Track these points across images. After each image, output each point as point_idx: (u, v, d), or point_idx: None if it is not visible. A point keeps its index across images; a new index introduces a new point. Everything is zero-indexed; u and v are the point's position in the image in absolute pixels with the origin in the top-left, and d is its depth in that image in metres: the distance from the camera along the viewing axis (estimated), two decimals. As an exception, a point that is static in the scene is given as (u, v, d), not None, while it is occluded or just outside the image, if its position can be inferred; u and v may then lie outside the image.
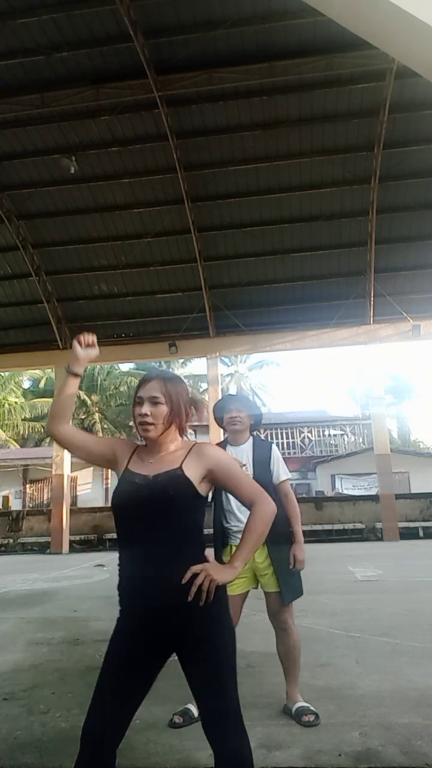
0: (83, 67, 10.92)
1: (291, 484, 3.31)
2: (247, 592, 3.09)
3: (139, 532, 1.72)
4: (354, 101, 11.88)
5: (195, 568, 1.64)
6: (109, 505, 1.83)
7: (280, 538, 3.04)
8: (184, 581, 1.62)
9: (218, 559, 3.06)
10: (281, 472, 3.19)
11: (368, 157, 12.67)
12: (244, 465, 3.12)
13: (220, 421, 3.34)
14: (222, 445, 3.26)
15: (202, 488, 1.76)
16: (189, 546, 1.72)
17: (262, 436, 3.43)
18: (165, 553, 1.67)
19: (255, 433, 3.35)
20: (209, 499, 3.01)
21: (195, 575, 1.63)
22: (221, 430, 3.40)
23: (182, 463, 1.76)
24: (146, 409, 1.78)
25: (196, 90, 11.35)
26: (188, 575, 1.63)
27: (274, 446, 3.29)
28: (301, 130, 12.43)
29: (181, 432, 1.86)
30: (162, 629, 1.68)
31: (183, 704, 3.00)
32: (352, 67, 10.79)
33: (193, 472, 1.74)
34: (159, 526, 1.69)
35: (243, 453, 3.18)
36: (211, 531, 3.19)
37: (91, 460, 1.95)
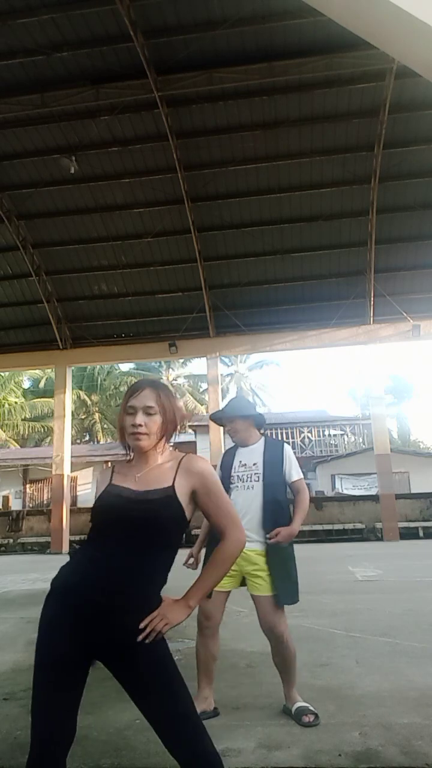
0: (83, 67, 10.93)
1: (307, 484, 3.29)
2: (229, 591, 3.04)
3: (113, 540, 1.65)
4: (354, 101, 11.88)
5: (152, 615, 1.58)
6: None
7: (289, 554, 3.03)
8: (142, 626, 1.57)
9: (209, 553, 3.05)
10: (293, 472, 3.16)
11: (368, 157, 12.68)
12: (254, 464, 3.12)
13: (223, 429, 3.37)
14: (232, 451, 3.27)
15: (188, 511, 1.71)
16: (157, 572, 1.66)
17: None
18: (130, 573, 1.60)
19: (266, 432, 3.33)
20: None
21: (149, 609, 1.59)
22: (221, 432, 3.42)
23: (174, 481, 1.70)
24: (141, 419, 1.73)
25: (196, 90, 11.36)
26: (146, 622, 1.57)
27: (286, 446, 3.25)
28: (301, 130, 12.43)
29: (167, 441, 1.81)
30: (97, 639, 1.60)
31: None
32: (352, 67, 10.80)
33: (182, 492, 1.69)
34: (135, 544, 1.63)
35: (254, 453, 3.16)
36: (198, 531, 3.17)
37: None
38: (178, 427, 1.83)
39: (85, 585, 1.61)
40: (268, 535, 2.98)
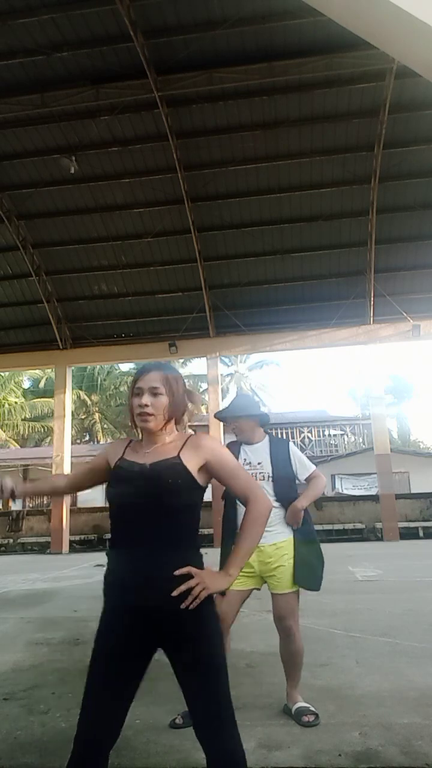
0: (83, 67, 10.93)
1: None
2: (249, 591, 3.02)
3: (134, 525, 1.68)
4: (354, 101, 11.88)
5: (192, 571, 1.61)
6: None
7: (308, 533, 3.04)
8: (179, 574, 1.60)
9: (225, 555, 3.04)
10: (305, 468, 3.17)
11: (368, 157, 12.68)
12: (259, 463, 3.12)
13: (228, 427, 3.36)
14: (237, 444, 3.25)
15: (200, 478, 1.73)
16: (184, 544, 1.69)
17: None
18: (161, 551, 1.64)
19: (270, 430, 3.32)
20: (222, 498, 3.00)
21: (189, 577, 1.61)
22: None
23: (180, 452, 1.73)
24: (147, 399, 1.75)
25: (196, 90, 11.36)
26: (183, 571, 1.60)
27: (291, 444, 3.27)
28: (301, 130, 12.43)
29: (177, 423, 1.84)
30: (150, 628, 1.65)
31: (183, 704, 2.98)
32: (352, 67, 10.80)
33: (190, 462, 1.72)
34: (156, 518, 1.65)
35: (259, 451, 3.16)
36: (210, 531, 3.19)
37: (98, 481, 1.96)
38: (189, 408, 1.85)
39: (127, 580, 1.67)
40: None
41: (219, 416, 3.44)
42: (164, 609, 1.61)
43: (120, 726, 1.66)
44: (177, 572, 1.60)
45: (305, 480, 3.18)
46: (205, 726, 1.64)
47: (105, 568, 1.76)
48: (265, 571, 2.98)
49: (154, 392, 1.77)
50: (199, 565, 1.68)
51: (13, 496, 1.92)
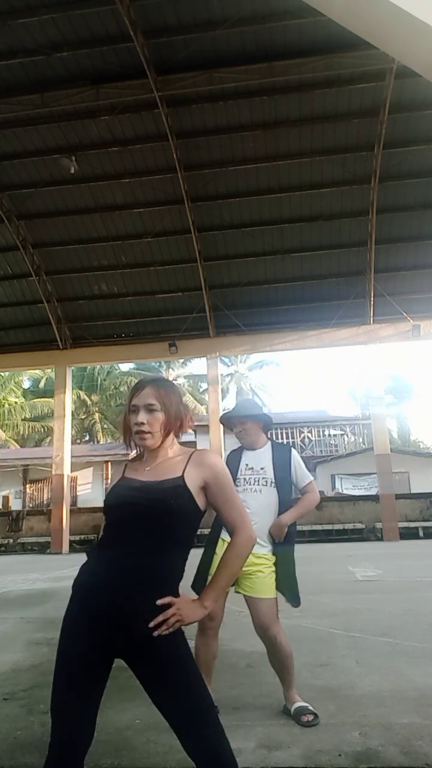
0: (83, 67, 10.93)
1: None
2: (227, 593, 3.04)
3: (126, 538, 1.65)
4: (354, 101, 11.88)
5: (172, 601, 1.59)
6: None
7: (288, 538, 3.03)
8: (160, 603, 1.57)
9: (206, 552, 3.04)
10: (304, 476, 3.16)
11: (368, 157, 12.68)
12: (262, 468, 3.11)
13: (230, 431, 3.33)
14: (238, 452, 3.24)
15: (200, 501, 1.70)
16: (169, 568, 1.66)
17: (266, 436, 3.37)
18: (144, 567, 1.60)
19: (271, 435, 3.32)
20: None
21: (165, 606, 1.58)
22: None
23: (184, 471, 1.70)
24: (143, 417, 1.73)
25: (196, 90, 11.36)
26: (165, 601, 1.58)
27: (294, 450, 3.24)
28: (301, 130, 12.43)
29: (177, 436, 1.82)
30: (114, 637, 1.61)
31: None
32: (352, 67, 10.80)
33: (193, 483, 1.69)
34: (148, 535, 1.63)
35: (261, 457, 3.14)
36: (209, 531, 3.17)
37: None
38: (184, 423, 1.82)
39: (101, 585, 1.62)
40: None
41: (224, 419, 3.41)
42: (136, 628, 1.58)
43: (92, 728, 1.63)
44: (159, 602, 1.58)
45: (300, 489, 3.17)
46: (186, 733, 1.60)
47: (82, 566, 1.72)
48: (242, 573, 2.90)
49: (149, 409, 1.74)
50: (176, 586, 1.66)
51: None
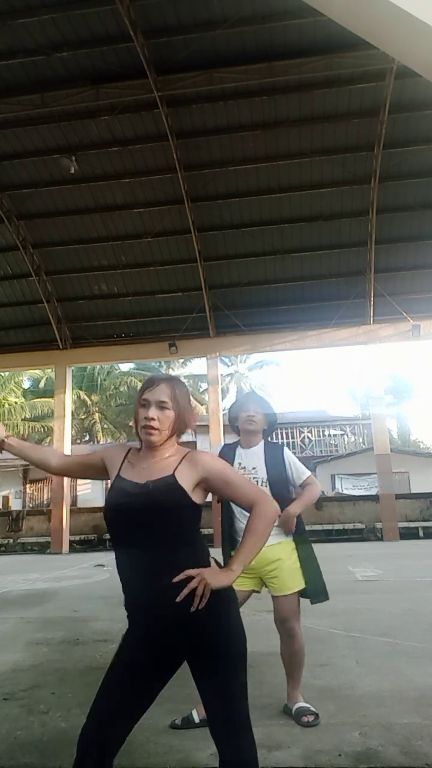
0: (83, 67, 10.93)
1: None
2: (249, 593, 3.01)
3: (131, 542, 1.68)
4: (354, 101, 11.88)
5: (190, 572, 1.61)
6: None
7: (297, 532, 3.04)
8: (176, 580, 1.59)
9: (227, 561, 3.04)
10: (300, 473, 3.16)
11: (368, 157, 12.68)
12: (254, 468, 3.10)
13: (234, 420, 3.29)
14: (232, 447, 3.24)
15: (196, 496, 1.71)
16: (185, 554, 1.67)
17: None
18: (159, 563, 1.63)
19: (267, 437, 3.30)
20: (217, 502, 3.00)
21: (190, 579, 1.60)
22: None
23: (175, 470, 1.71)
24: (154, 413, 1.74)
25: (196, 90, 11.36)
26: (181, 577, 1.59)
27: (285, 448, 3.25)
28: (301, 130, 12.43)
29: (179, 437, 1.83)
30: (167, 639, 1.64)
31: (183, 704, 2.99)
32: (352, 67, 10.80)
33: (186, 480, 1.70)
34: (152, 535, 1.65)
35: (254, 455, 3.14)
36: (210, 531, 3.18)
37: (85, 476, 2.00)
38: (189, 424, 1.83)
39: (133, 599, 1.69)
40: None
41: (243, 398, 3.39)
42: (178, 621, 1.61)
43: (126, 736, 1.66)
44: (175, 579, 1.59)
45: (300, 485, 3.17)
46: (220, 726, 1.64)
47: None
48: (264, 573, 2.96)
49: (161, 406, 1.75)
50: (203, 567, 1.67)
51: (1, 446, 1.89)
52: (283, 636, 3.03)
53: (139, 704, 1.68)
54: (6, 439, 1.89)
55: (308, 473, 3.20)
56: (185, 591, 1.58)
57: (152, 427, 1.73)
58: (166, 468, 1.73)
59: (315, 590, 3.01)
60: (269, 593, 3.03)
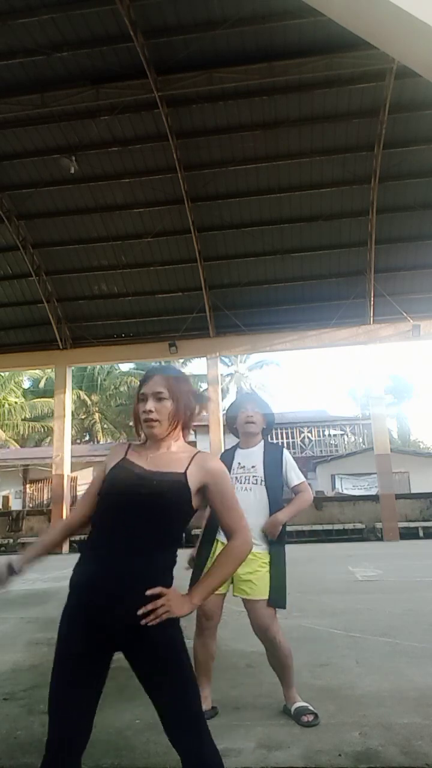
0: (83, 67, 10.93)
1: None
2: (223, 596, 3.01)
3: (121, 528, 1.64)
4: (354, 101, 11.88)
5: (162, 592, 1.59)
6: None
7: (278, 538, 3.03)
8: (150, 594, 1.57)
9: (201, 553, 3.03)
10: (294, 476, 3.15)
11: (368, 157, 12.67)
12: (253, 467, 3.11)
13: (232, 420, 3.29)
14: (231, 450, 3.25)
15: (195, 500, 1.70)
16: (164, 555, 1.66)
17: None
18: (140, 559, 1.61)
19: (266, 437, 3.31)
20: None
21: (155, 596, 1.58)
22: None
23: (187, 468, 1.70)
24: (151, 405, 1.73)
25: (196, 90, 11.36)
26: (155, 592, 1.58)
27: (285, 450, 3.24)
28: (301, 130, 12.43)
29: (186, 429, 1.81)
30: (111, 631, 1.61)
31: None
32: (352, 67, 10.79)
33: (193, 482, 1.69)
34: (144, 526, 1.63)
35: (253, 455, 3.15)
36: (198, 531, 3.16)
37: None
38: (196, 411, 1.82)
39: (97, 581, 1.63)
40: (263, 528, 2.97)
41: (244, 397, 3.42)
42: (127, 619, 1.58)
43: (89, 727, 1.64)
44: (149, 592, 1.58)
45: (292, 488, 3.16)
46: (174, 730, 1.62)
47: (77, 563, 1.72)
48: (237, 576, 2.90)
49: (158, 397, 1.74)
50: (169, 583, 1.66)
51: (12, 574, 1.80)
52: (267, 645, 3.00)
53: (92, 696, 1.65)
54: (14, 566, 1.80)
55: (303, 479, 3.19)
56: (149, 606, 1.56)
57: (152, 419, 1.72)
58: (177, 464, 1.71)
59: (276, 597, 2.96)
60: (243, 598, 2.98)
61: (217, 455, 3.45)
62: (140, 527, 1.63)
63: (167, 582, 1.66)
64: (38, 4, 9.91)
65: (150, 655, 1.63)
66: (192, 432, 1.90)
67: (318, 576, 7.72)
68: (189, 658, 1.69)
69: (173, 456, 1.74)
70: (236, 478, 3.10)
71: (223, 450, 3.32)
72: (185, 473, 1.69)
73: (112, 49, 10.70)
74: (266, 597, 2.93)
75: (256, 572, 2.94)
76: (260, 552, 2.97)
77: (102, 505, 1.73)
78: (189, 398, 1.80)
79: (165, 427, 1.74)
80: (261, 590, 2.94)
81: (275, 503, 3.04)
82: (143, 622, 1.56)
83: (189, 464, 1.71)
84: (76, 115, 12.18)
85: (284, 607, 3.00)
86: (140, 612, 1.56)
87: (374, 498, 15.67)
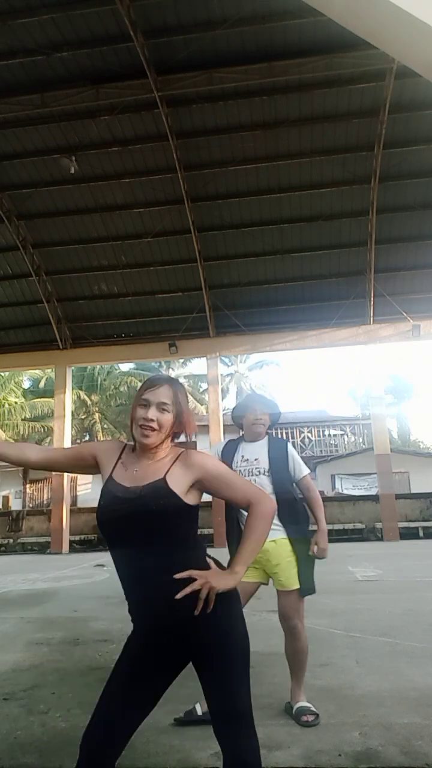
0: (83, 67, 10.92)
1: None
2: (257, 585, 3.05)
3: (125, 546, 1.66)
4: (354, 101, 11.88)
5: (193, 574, 1.59)
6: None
7: (297, 527, 3.05)
8: (178, 577, 1.58)
9: (229, 548, 3.03)
10: (301, 468, 3.20)
11: (368, 157, 12.68)
12: (256, 459, 3.14)
13: (239, 419, 3.32)
14: (236, 442, 3.28)
15: (190, 497, 1.69)
16: (180, 556, 1.65)
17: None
18: (157, 568, 1.61)
19: (270, 431, 3.35)
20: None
21: (191, 579, 1.59)
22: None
23: (167, 473, 1.68)
24: (153, 414, 1.71)
25: (196, 90, 11.36)
26: (183, 575, 1.58)
27: (289, 444, 3.29)
28: (301, 130, 12.43)
29: (174, 439, 1.81)
30: (170, 642, 1.63)
31: (183, 704, 2.99)
32: (352, 67, 10.80)
33: (178, 482, 1.67)
34: (144, 539, 1.63)
35: (257, 449, 3.18)
36: (210, 531, 3.18)
37: (73, 471, 1.95)
38: (187, 429, 1.81)
39: (136, 602, 1.68)
40: (311, 552, 3.06)
41: (253, 398, 3.43)
42: (178, 621, 1.60)
43: (128, 739, 1.66)
44: (177, 576, 1.58)
45: (299, 480, 3.19)
46: (224, 726, 1.64)
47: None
48: (268, 568, 3.00)
49: (162, 408, 1.72)
50: (203, 568, 1.66)
51: None
52: (287, 633, 3.06)
53: (142, 707, 1.67)
54: None
55: (308, 471, 3.24)
56: (187, 590, 1.56)
57: (151, 428, 1.71)
58: (158, 471, 1.70)
59: (306, 588, 3.03)
60: (274, 587, 3.05)
61: (214, 446, 3.48)
62: (143, 543, 1.63)
63: (198, 567, 1.66)
64: (38, 4, 9.91)
65: (210, 650, 1.63)
66: (181, 449, 1.89)
67: (318, 576, 7.69)
68: (247, 654, 1.69)
69: (156, 465, 1.73)
70: (239, 471, 3.13)
71: (229, 440, 3.33)
72: (164, 479, 1.67)
73: (112, 49, 10.70)
74: (297, 587, 2.98)
75: (281, 563, 2.98)
76: (281, 538, 2.99)
77: (103, 534, 1.75)
78: (187, 413, 1.80)
79: (160, 437, 1.73)
80: (289, 581, 2.99)
81: (281, 490, 3.06)
82: (196, 612, 1.57)
83: (170, 468, 1.70)
84: (76, 115, 12.18)
85: (314, 592, 3.06)
86: (178, 596, 1.56)
87: (374, 498, 15.68)
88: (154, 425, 1.71)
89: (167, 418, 1.73)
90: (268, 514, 1.72)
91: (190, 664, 1.70)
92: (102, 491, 1.75)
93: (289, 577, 2.99)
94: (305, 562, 3.03)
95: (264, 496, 1.75)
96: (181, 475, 1.69)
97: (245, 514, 1.75)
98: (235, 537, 3.01)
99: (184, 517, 1.69)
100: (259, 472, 3.11)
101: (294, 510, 3.07)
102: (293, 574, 2.99)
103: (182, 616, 1.59)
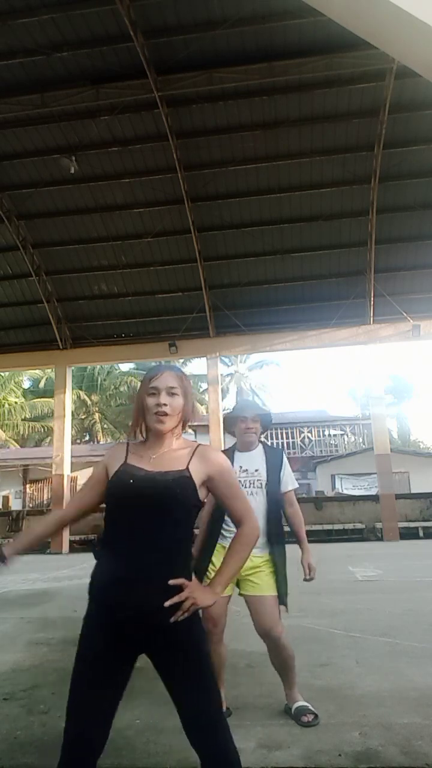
0: (83, 67, 10.92)
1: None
2: (228, 598, 3.00)
3: (132, 531, 1.65)
4: (354, 101, 11.88)
5: (184, 584, 1.60)
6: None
7: (278, 539, 3.05)
8: (173, 584, 1.59)
9: (199, 557, 3.00)
10: (289, 481, 3.17)
11: (368, 157, 12.67)
12: (256, 470, 3.11)
13: (231, 426, 3.29)
14: (230, 451, 3.23)
15: (201, 493, 1.72)
16: (178, 554, 1.67)
17: (263, 437, 3.38)
18: (155, 558, 1.62)
19: (263, 439, 3.33)
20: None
21: (181, 588, 1.60)
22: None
23: (189, 464, 1.71)
24: (165, 398, 1.74)
25: (196, 90, 11.36)
26: (177, 583, 1.59)
27: (284, 455, 3.27)
28: (301, 130, 12.43)
29: (184, 427, 1.83)
30: (136, 633, 1.63)
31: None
32: (352, 67, 10.79)
33: (197, 475, 1.70)
34: (155, 527, 1.63)
35: (253, 459, 3.15)
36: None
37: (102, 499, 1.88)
38: (195, 412, 1.85)
39: (118, 583, 1.64)
40: (306, 578, 3.08)
41: (245, 405, 3.38)
42: (153, 617, 1.59)
43: (107, 731, 1.64)
44: (171, 582, 1.59)
45: (284, 493, 3.16)
46: (198, 730, 1.63)
47: (95, 567, 1.74)
48: (243, 575, 2.92)
49: (171, 392, 1.75)
50: (188, 577, 1.67)
51: (3, 561, 1.80)
52: (271, 645, 2.99)
53: (111, 697, 1.65)
54: (7, 556, 1.84)
55: (295, 486, 3.22)
56: (175, 599, 1.58)
57: (165, 413, 1.73)
58: (179, 461, 1.72)
59: (283, 594, 3.01)
60: (246, 595, 2.98)
61: (218, 449, 3.46)
62: (153, 528, 1.64)
63: (187, 576, 1.67)
64: (38, 4, 9.91)
65: (176, 654, 1.63)
66: (192, 432, 1.90)
67: (318, 576, 7.70)
68: (210, 659, 1.72)
69: (174, 454, 1.75)
70: (240, 482, 3.08)
71: (223, 449, 3.30)
72: (188, 468, 1.70)
73: (112, 49, 10.70)
74: (274, 593, 2.95)
75: (260, 570, 2.96)
76: (261, 555, 2.97)
77: (112, 512, 1.73)
78: (192, 398, 1.84)
79: (174, 422, 1.76)
80: (265, 587, 2.95)
81: (274, 507, 3.07)
82: (173, 619, 1.58)
83: (190, 459, 1.73)
84: (76, 115, 12.18)
85: (286, 605, 3.01)
86: (167, 604, 1.57)
87: (374, 498, 15.67)
88: (168, 410, 1.73)
89: (178, 401, 1.76)
90: (253, 541, 1.76)
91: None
92: (118, 471, 1.74)
93: (267, 583, 2.95)
94: (281, 569, 3.00)
95: (254, 521, 1.77)
96: (197, 469, 1.72)
97: (227, 528, 1.79)
98: (209, 553, 2.99)
99: (194, 511, 1.72)
100: (260, 484, 3.07)
101: (280, 528, 3.08)
102: (272, 581, 2.96)
103: (156, 613, 1.58)
